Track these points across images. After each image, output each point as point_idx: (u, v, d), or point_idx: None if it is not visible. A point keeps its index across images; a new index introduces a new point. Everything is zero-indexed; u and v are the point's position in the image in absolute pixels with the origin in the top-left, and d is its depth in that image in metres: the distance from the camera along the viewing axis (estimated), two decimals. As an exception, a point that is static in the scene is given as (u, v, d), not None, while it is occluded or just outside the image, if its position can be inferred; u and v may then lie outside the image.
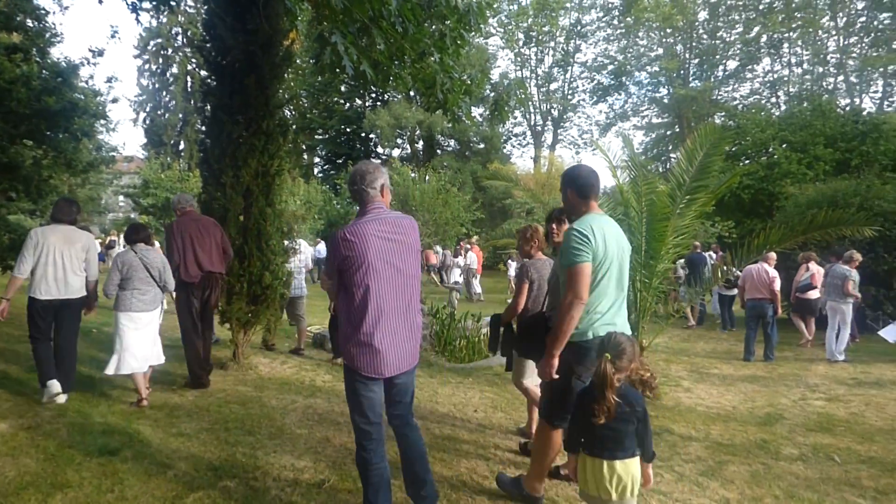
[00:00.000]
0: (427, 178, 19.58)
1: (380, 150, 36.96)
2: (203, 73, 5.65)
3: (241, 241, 5.39)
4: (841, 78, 30.02)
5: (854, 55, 29.35)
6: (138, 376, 4.49)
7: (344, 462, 3.62)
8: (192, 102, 30.08)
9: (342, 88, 34.01)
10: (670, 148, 32.71)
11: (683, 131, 29.64)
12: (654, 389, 5.58)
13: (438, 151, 35.38)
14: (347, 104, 36.71)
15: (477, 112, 31.43)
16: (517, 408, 5.10)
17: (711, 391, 6.03)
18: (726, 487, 3.46)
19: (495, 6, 30.34)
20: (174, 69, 33.50)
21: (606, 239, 2.71)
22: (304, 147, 36.56)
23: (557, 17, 36.28)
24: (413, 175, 19.76)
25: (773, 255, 7.69)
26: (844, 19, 29.91)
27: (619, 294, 2.82)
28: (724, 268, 6.59)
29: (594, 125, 40.77)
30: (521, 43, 37.46)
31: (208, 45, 5.46)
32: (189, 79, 33.00)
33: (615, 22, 35.54)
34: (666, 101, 33.63)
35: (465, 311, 9.26)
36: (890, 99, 29.37)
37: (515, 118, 39.45)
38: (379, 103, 35.34)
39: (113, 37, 14.06)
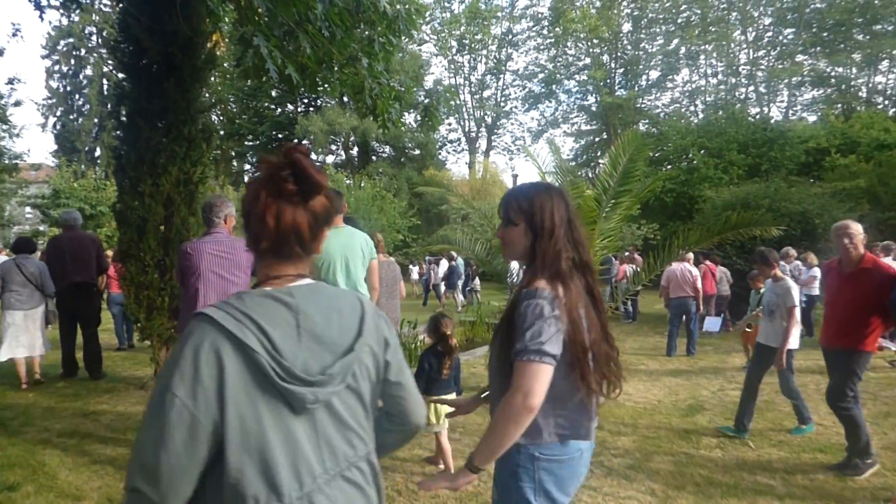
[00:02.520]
0: (362, 184, 19.40)
1: (313, 156, 36.29)
2: (119, 75, 5.34)
3: (161, 253, 5.11)
4: (751, 88, 32.33)
5: (762, 67, 31.67)
6: (20, 362, 5.53)
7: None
8: (109, 106, 28.44)
9: (272, 93, 33.14)
10: (599, 154, 34.00)
11: (611, 138, 30.92)
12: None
13: (373, 158, 35.16)
14: (278, 109, 35.80)
15: (410, 118, 31.52)
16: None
17: (639, 386, 6.28)
18: (652, 478, 3.61)
19: (426, 14, 30.61)
20: (88, 71, 31.56)
21: (330, 242, 3.44)
22: (233, 154, 35.34)
23: (489, 25, 37.02)
24: (348, 182, 19.54)
25: (690, 255, 8.12)
26: (754, 34, 32.27)
27: (348, 283, 3.62)
28: (638, 270, 6.91)
29: (526, 132, 41.76)
30: (454, 50, 37.95)
31: (122, 45, 5.17)
32: (105, 81, 31.17)
33: (545, 32, 36.67)
34: (594, 108, 34.96)
35: (401, 319, 9.21)
36: (794, 108, 31.92)
37: (450, 124, 39.87)
38: (311, 109, 34.72)
39: (14, 35, 12.97)
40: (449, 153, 42.34)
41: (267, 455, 0.97)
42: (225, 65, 20.33)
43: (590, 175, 29.41)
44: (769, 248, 4.68)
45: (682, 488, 3.47)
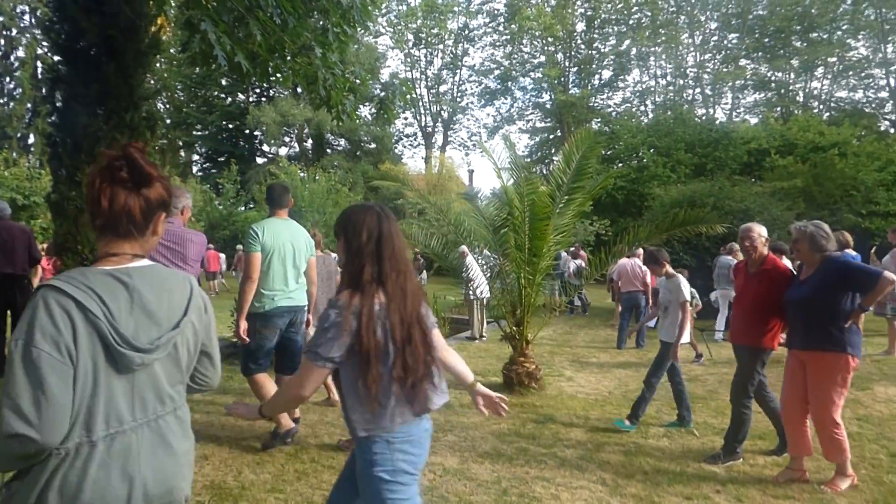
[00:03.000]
0: (317, 177, 19.02)
1: (266, 147, 35.43)
2: (54, 57, 5.03)
3: (102, 245, 4.86)
4: (698, 90, 33.53)
5: (708, 70, 32.89)
6: None
7: (224, 481, 3.39)
8: (43, 91, 26.88)
9: (222, 82, 32.09)
10: (553, 151, 34.55)
11: (564, 135, 31.45)
12: (538, 380, 5.84)
13: (328, 151, 34.62)
14: (229, 99, 34.74)
15: (366, 111, 31.16)
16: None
17: (590, 378, 6.43)
18: (603, 468, 3.70)
19: (381, 5, 30.29)
20: (20, 52, 29.64)
21: (276, 236, 3.76)
22: (180, 144, 34.04)
23: (446, 20, 36.97)
24: (302, 174, 19.13)
25: (641, 250, 8.36)
26: (700, 37, 33.46)
27: (295, 276, 3.84)
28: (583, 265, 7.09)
29: (482, 127, 41.98)
30: (410, 44, 37.73)
31: (58, 26, 4.87)
32: (39, 64, 29.36)
33: (501, 28, 36.93)
34: (548, 106, 35.48)
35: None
36: (737, 110, 33.33)
37: (406, 118, 39.68)
38: (264, 99, 33.84)
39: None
40: (405, 147, 42.13)
41: (92, 402, 1.20)
42: (171, 51, 19.53)
43: (544, 171, 29.86)
44: (658, 248, 4.85)
45: (632, 477, 3.57)
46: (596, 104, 34.96)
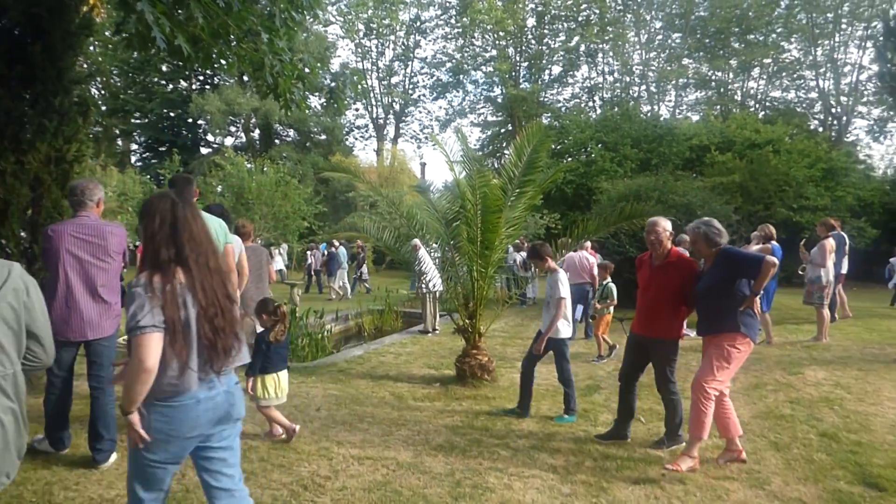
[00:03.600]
0: (265, 168, 18.46)
1: (210, 137, 34.16)
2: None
3: (29, 239, 4.56)
4: (643, 87, 34.54)
5: (653, 68, 33.92)
6: None
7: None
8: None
9: (163, 68, 30.67)
10: (504, 145, 34.84)
11: (515, 129, 31.76)
12: (491, 372, 5.88)
13: (277, 141, 33.74)
14: (170, 86, 33.22)
15: (316, 102, 30.52)
16: (362, 402, 5.04)
17: (541, 369, 6.48)
18: (554, 457, 3.76)
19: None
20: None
21: None
22: (117, 132, 32.37)
23: (397, 10, 36.56)
24: (249, 165, 18.53)
25: (589, 243, 8.55)
26: (646, 36, 34.43)
27: None
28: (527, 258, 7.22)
29: (435, 120, 41.86)
30: (361, 34, 37.15)
31: (-24, 2, 4.51)
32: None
33: (452, 21, 36.85)
34: (500, 100, 35.73)
35: (308, 308, 8.95)
36: (680, 108, 34.56)
37: (357, 110, 39.12)
38: (208, 87, 32.57)
39: None
40: (356, 139, 41.54)
41: None
42: (107, 33, 18.49)
43: (496, 165, 30.09)
44: (542, 242, 4.94)
45: (581, 464, 3.65)
46: (546, 99, 35.46)
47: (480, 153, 32.02)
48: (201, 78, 33.83)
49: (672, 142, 19.70)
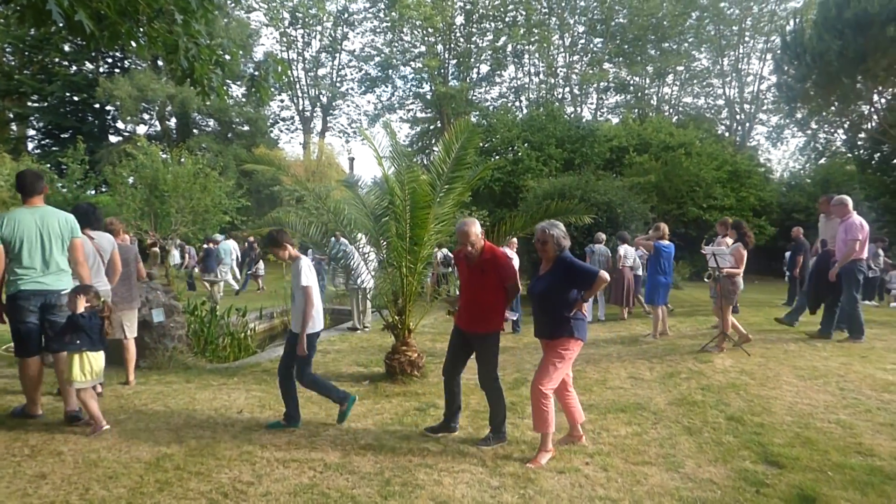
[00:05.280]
0: (182, 159, 17.43)
1: (120, 124, 31.88)
2: None
3: None
4: (567, 89, 35.65)
5: (576, 71, 35.11)
6: None
7: (67, 501, 2.98)
8: None
9: (65, 48, 28.26)
10: (433, 142, 34.91)
11: (444, 126, 31.89)
12: (420, 368, 5.87)
13: (195, 131, 31.98)
14: (74, 67, 30.66)
15: (238, 91, 29.23)
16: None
17: (470, 364, 6.57)
18: (482, 451, 3.79)
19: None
20: None
21: (21, 224, 4.01)
22: (10, 115, 29.51)
23: (324, 1, 35.63)
24: (164, 156, 17.41)
25: (514, 240, 8.72)
26: (570, 39, 35.56)
27: (45, 262, 4.08)
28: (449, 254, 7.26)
29: (363, 115, 41.21)
30: (286, 23, 35.86)
31: None
32: None
33: (381, 14, 36.38)
34: (428, 97, 35.73)
35: (230, 306, 8.56)
36: (601, 110, 36.03)
37: (282, 101, 37.86)
38: (118, 70, 30.35)
39: None
40: (282, 131, 40.12)
41: None
42: (-2, 7, 16.75)
43: (425, 162, 30.11)
44: (279, 229, 4.41)
45: (510, 457, 3.71)
46: (474, 97, 35.82)
47: (409, 149, 31.90)
48: (110, 60, 31.47)
49: (594, 143, 20.46)
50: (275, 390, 5.25)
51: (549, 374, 3.63)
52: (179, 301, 7.03)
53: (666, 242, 7.83)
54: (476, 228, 3.96)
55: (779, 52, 19.24)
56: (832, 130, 24.51)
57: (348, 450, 3.79)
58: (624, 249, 9.48)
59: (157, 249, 18.07)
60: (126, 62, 30.75)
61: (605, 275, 3.64)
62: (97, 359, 3.99)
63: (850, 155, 23.02)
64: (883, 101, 17.76)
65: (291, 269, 4.28)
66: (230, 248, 14.78)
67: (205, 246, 14.66)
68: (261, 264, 16.63)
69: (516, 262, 8.64)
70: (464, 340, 4.14)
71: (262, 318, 10.11)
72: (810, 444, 3.78)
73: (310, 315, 4.12)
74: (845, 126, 20.55)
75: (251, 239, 15.98)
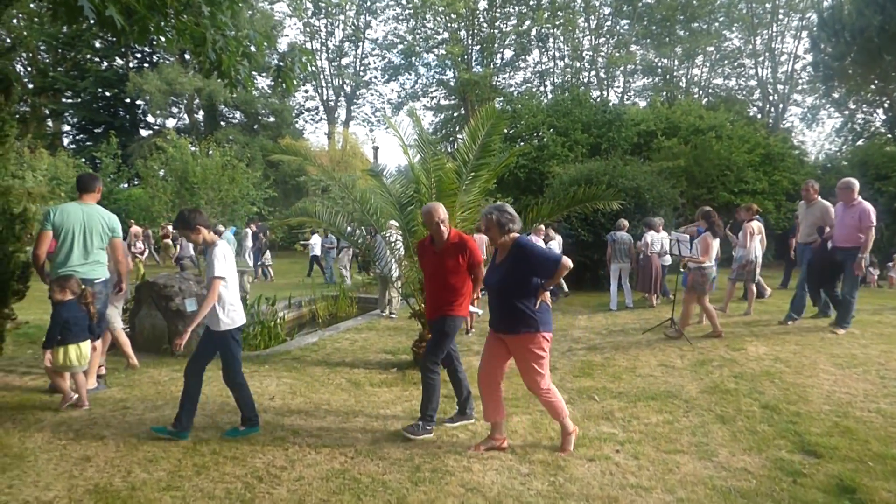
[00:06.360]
0: (210, 152, 17.74)
1: (150, 118, 32.54)
2: None
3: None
4: (593, 73, 35.04)
5: (602, 54, 34.46)
6: None
7: (111, 483, 3.09)
8: None
9: (96, 44, 28.88)
10: (457, 129, 34.76)
11: (468, 113, 31.70)
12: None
13: (222, 123, 32.49)
14: (105, 63, 31.35)
15: (263, 83, 29.50)
16: (317, 390, 4.95)
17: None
18: (512, 437, 3.79)
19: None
20: None
21: (70, 217, 4.42)
22: (46, 112, 30.36)
23: (347, -11, 35.61)
24: (193, 148, 17.76)
25: (542, 227, 8.67)
26: (595, 21, 34.88)
27: (85, 252, 4.45)
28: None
29: (387, 103, 41.24)
30: (309, 13, 35.99)
31: None
32: None
33: (404, 1, 36.21)
34: (452, 83, 35.52)
35: (259, 295, 8.70)
36: (628, 93, 35.33)
37: (307, 91, 38.11)
38: (147, 65, 30.95)
39: None
40: (307, 122, 40.64)
41: None
42: (32, 5, 17.21)
43: (449, 149, 30.04)
44: (192, 209, 3.92)
45: (538, 444, 3.70)
46: (498, 83, 35.48)
47: (434, 137, 31.80)
48: (139, 55, 32.14)
49: (621, 127, 20.07)
50: (305, 377, 5.36)
51: (536, 375, 3.45)
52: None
53: (654, 233, 7.88)
54: (442, 212, 3.91)
55: (815, 29, 18.58)
56: (871, 110, 23.62)
57: (378, 436, 3.84)
58: (651, 236, 9.33)
59: (169, 241, 18.41)
60: (154, 57, 31.34)
61: (568, 261, 3.34)
62: (83, 346, 4.24)
63: (889, 135, 22.12)
64: (926, 78, 17.00)
65: (206, 256, 3.75)
66: (233, 238, 14.65)
67: None
68: (268, 253, 16.46)
69: (558, 246, 8.55)
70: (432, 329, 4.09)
71: (290, 307, 10.27)
72: (849, 434, 3.68)
73: (208, 306, 3.65)
74: (885, 105, 19.76)
75: (253, 227, 15.94)
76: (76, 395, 4.34)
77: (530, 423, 4.09)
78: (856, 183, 6.34)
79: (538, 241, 8.74)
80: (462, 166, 6.03)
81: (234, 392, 3.88)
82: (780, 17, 29.90)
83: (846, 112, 24.30)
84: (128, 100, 30.37)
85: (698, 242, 6.82)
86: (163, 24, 4.00)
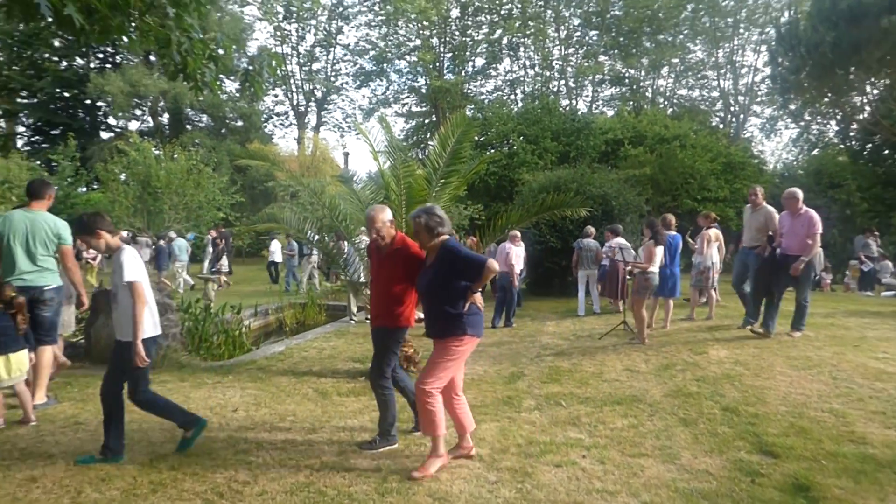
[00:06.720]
0: (174, 155, 17.34)
1: (112, 121, 31.64)
2: None
3: None
4: (563, 82, 35.55)
5: (572, 64, 35.02)
6: None
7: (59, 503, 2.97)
8: None
9: (54, 43, 27.97)
10: (428, 136, 34.77)
11: (439, 120, 31.76)
12: (417, 364, 5.87)
13: (188, 127, 31.80)
14: (64, 63, 30.37)
15: (231, 86, 29.03)
16: (283, 401, 4.87)
17: (468, 360, 6.58)
18: (479, 445, 3.79)
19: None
20: None
21: (12, 224, 4.39)
22: (0, 112, 29.24)
23: (318, -6, 35.36)
24: (157, 152, 17.34)
25: (516, 233, 8.73)
26: (565, 32, 35.44)
27: (28, 261, 4.39)
28: None
29: (358, 109, 40.96)
30: (280, 17, 35.61)
31: None
32: None
33: (376, 8, 36.16)
34: (423, 90, 35.57)
35: (224, 303, 8.53)
36: (596, 103, 35.98)
37: (276, 96, 37.64)
38: (109, 66, 30.11)
39: None
40: (276, 126, 40.00)
41: None
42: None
43: (420, 156, 30.03)
44: (92, 212, 3.66)
45: (506, 451, 3.71)
46: (469, 91, 35.69)
47: (405, 143, 31.76)
48: (101, 55, 31.24)
49: (589, 135, 20.43)
50: (271, 387, 5.26)
51: (435, 372, 3.31)
52: (173, 299, 7.00)
53: (672, 233, 7.89)
54: (385, 215, 3.65)
55: (773, 43, 19.26)
56: (825, 122, 24.62)
57: (345, 447, 3.79)
58: (616, 242, 9.50)
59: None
60: (118, 57, 30.52)
61: (494, 263, 3.31)
62: (13, 357, 4.07)
63: (842, 146, 23.10)
64: (875, 92, 17.83)
65: (112, 263, 3.49)
66: (185, 245, 14.12)
67: (159, 242, 13.78)
68: (224, 260, 15.88)
69: (510, 257, 8.61)
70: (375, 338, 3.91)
71: (256, 315, 10.09)
72: (804, 434, 3.80)
73: (141, 315, 3.37)
74: (838, 117, 20.63)
75: (213, 234, 15.44)
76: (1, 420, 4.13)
77: (498, 431, 4.10)
78: (800, 192, 6.54)
79: (515, 248, 8.78)
80: (432, 173, 6.05)
81: (147, 410, 3.63)
82: (741, 31, 30.95)
83: (802, 123, 25.27)
84: (88, 101, 29.46)
85: (642, 250, 7.01)
86: (125, 24, 3.89)
